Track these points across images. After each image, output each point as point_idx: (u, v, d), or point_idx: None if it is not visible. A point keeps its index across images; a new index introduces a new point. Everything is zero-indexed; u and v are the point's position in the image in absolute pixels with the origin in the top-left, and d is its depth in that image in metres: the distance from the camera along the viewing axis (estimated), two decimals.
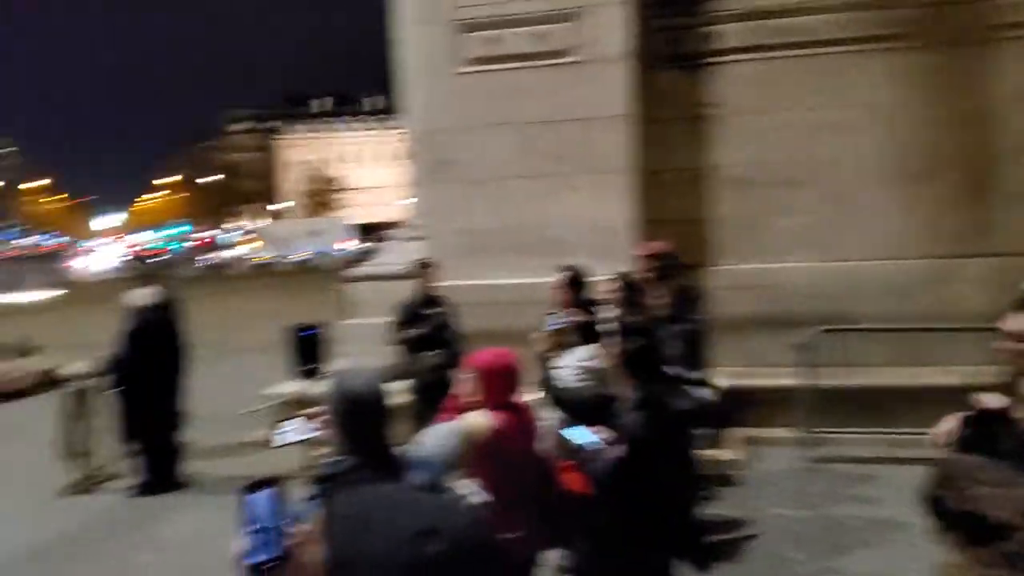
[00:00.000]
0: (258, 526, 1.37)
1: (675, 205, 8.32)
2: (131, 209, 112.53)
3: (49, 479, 7.34)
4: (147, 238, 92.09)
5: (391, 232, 11.43)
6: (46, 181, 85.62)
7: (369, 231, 54.20)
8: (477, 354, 3.62)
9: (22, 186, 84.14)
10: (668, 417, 3.48)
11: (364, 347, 7.36)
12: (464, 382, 3.53)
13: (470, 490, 2.93)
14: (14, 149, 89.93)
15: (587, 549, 3.41)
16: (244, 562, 1.38)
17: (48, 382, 11.48)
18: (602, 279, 5.99)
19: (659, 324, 5.03)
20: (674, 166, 8.43)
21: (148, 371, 7.28)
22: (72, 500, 7.15)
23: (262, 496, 1.39)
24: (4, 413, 10.55)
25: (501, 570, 1.22)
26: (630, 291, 5.70)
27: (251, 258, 49.12)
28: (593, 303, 5.76)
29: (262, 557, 1.37)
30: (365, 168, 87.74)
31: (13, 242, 74.22)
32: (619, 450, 3.20)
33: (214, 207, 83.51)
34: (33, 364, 12.81)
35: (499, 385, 3.47)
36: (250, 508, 1.37)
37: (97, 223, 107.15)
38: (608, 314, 5.43)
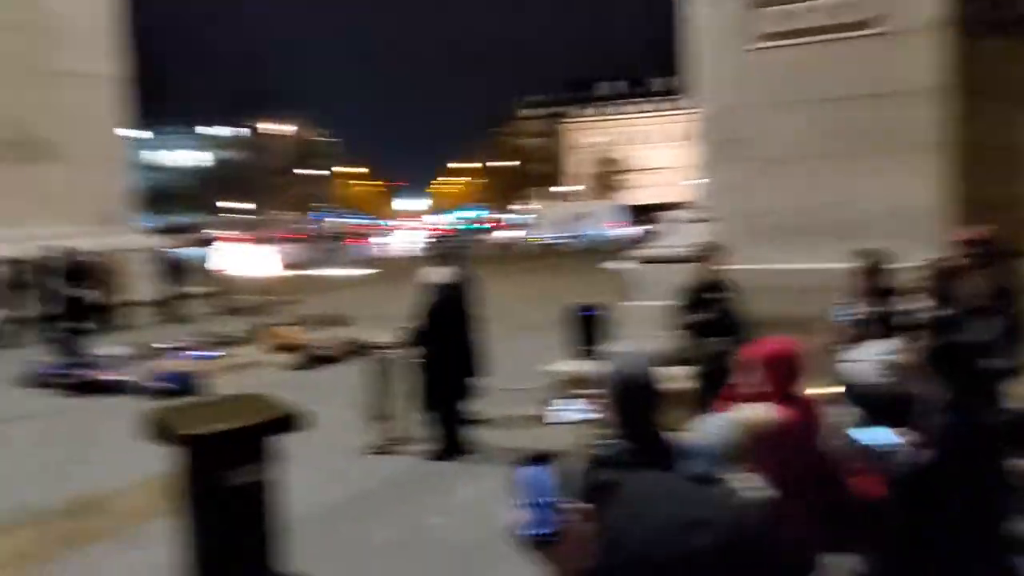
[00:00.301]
0: (532, 500, 1.39)
1: (995, 187, 7.47)
2: (432, 192, 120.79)
3: (354, 439, 8.05)
4: (445, 220, 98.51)
5: (670, 213, 11.31)
6: (361, 169, 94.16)
7: (644, 212, 53.91)
8: (762, 342, 3.46)
9: (340, 172, 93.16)
10: (983, 422, 3.11)
11: (644, 329, 7.35)
12: (746, 371, 3.38)
13: (746, 484, 2.81)
14: (336, 141, 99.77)
15: (880, 557, 3.15)
16: (519, 534, 1.40)
17: (357, 350, 12.65)
18: (906, 266, 5.51)
19: (972, 318, 4.53)
20: (996, 144, 7.56)
21: (444, 344, 7.74)
22: (373, 459, 7.78)
23: (537, 471, 1.40)
24: (318, 377, 11.69)
25: (774, 569, 1.14)
26: (942, 280, 5.18)
27: (526, 240, 50.52)
28: (892, 292, 5.31)
29: (536, 531, 1.39)
30: (652, 149, 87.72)
31: (327, 223, 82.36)
32: (925, 454, 2.91)
33: (506, 190, 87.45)
34: (344, 334, 14.10)
35: (782, 376, 3.30)
36: (525, 482, 1.39)
37: (401, 205, 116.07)
38: (912, 305, 4.98)
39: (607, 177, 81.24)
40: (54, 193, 18.91)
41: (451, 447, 7.66)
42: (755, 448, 2.93)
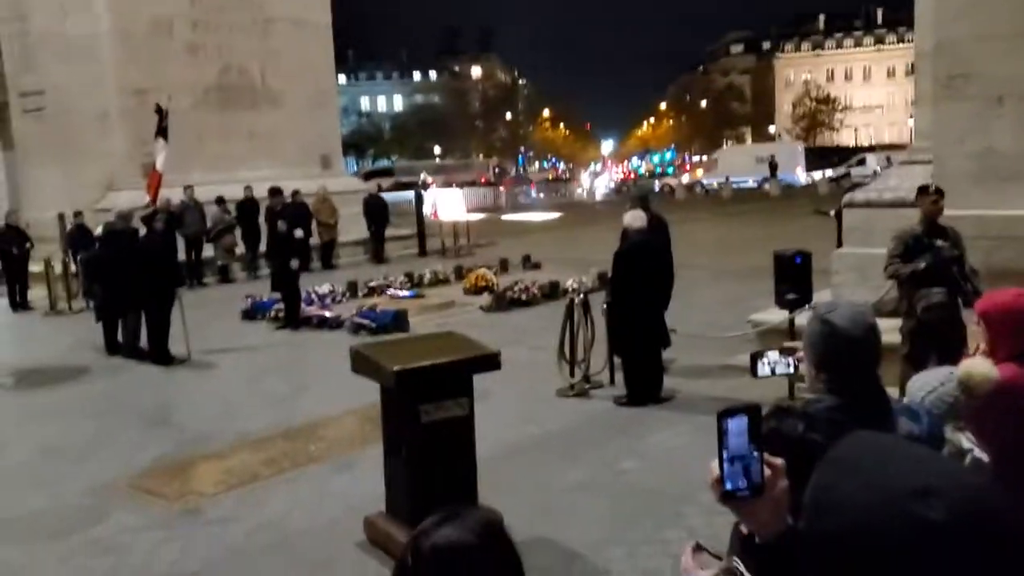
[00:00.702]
0: (730, 453, 1.33)
1: None
2: (627, 135, 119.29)
3: (548, 381, 8.17)
4: (639, 163, 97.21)
5: (887, 155, 10.57)
6: (552, 112, 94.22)
7: (846, 154, 50.57)
8: (990, 295, 3.16)
9: (536, 116, 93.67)
10: None
11: (858, 278, 6.95)
12: (972, 325, 3.10)
13: (971, 448, 2.58)
14: (527, 83, 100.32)
15: None
16: (718, 487, 1.35)
17: (551, 294, 12.81)
18: None
19: None
20: None
21: (637, 289, 7.66)
22: (565, 402, 7.87)
23: (738, 423, 1.33)
24: (512, 319, 11.91)
25: (1005, 547, 1.01)
26: None
27: (704, 185, 48.65)
28: None
29: (732, 486, 1.33)
30: (869, 87, 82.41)
31: (525, 168, 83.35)
32: None
33: (707, 132, 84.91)
34: (539, 277, 14.28)
35: (1010, 333, 3.00)
36: (726, 434, 1.33)
37: (597, 149, 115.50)
38: None
39: (819, 116, 76.80)
40: (270, 137, 20.19)
41: (644, 393, 7.60)
42: (976, 409, 2.70)
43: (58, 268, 14.58)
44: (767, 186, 42.01)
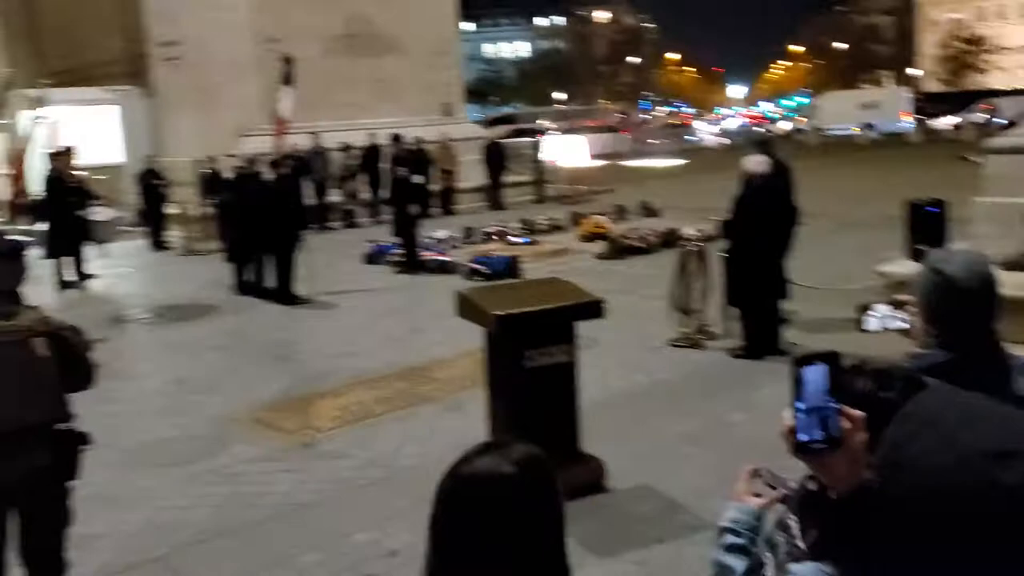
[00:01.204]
0: (808, 404, 1.26)
1: None
2: (757, 79, 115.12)
3: (659, 330, 8.05)
4: (766, 108, 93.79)
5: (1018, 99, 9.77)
6: (678, 56, 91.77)
7: (970, 99, 46.98)
8: None
9: (662, 60, 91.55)
10: None
11: (1000, 230, 6.51)
12: None
13: None
14: (653, 26, 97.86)
15: None
16: (792, 438, 1.28)
17: (667, 242, 12.57)
18: None
19: None
20: None
21: (757, 238, 7.41)
22: (676, 352, 7.75)
23: (816, 372, 1.26)
24: (627, 267, 11.79)
25: None
26: None
27: (804, 131, 46.22)
28: None
29: (810, 437, 1.26)
30: (1016, 26, 76.58)
31: (649, 113, 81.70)
32: None
33: (843, 75, 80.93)
34: (656, 225, 14.05)
35: None
36: (802, 383, 1.26)
37: (725, 93, 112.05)
38: None
39: (965, 58, 71.80)
40: (394, 85, 20.44)
41: (759, 345, 7.40)
42: None
43: (193, 211, 15.30)
44: (870, 134, 39.80)
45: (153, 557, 4.57)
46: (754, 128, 55.50)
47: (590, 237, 13.69)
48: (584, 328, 5.12)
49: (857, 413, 1.27)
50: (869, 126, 41.60)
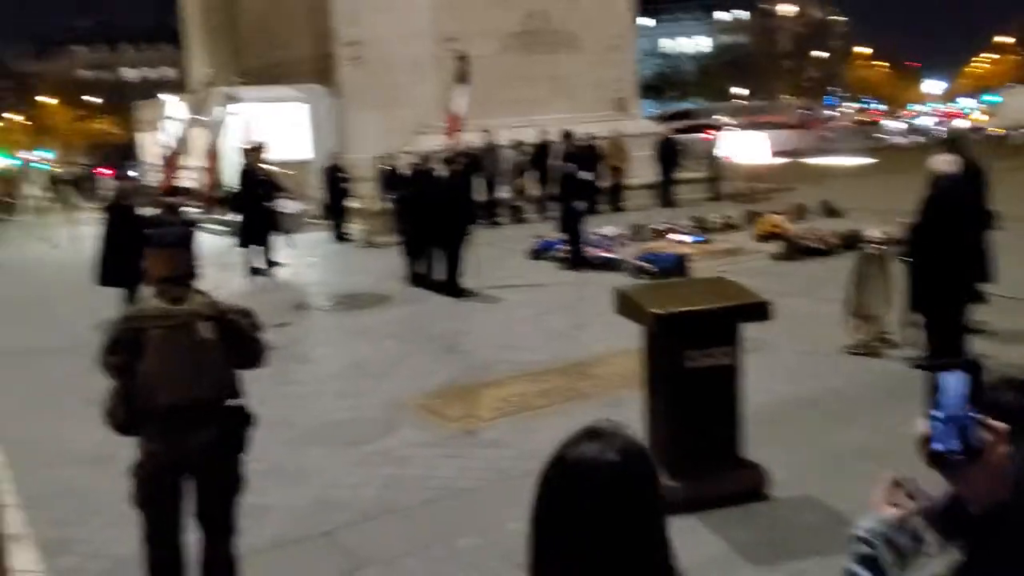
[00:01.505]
0: (947, 412, 1.17)
1: None
2: (957, 75, 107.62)
3: (835, 336, 7.70)
4: (968, 104, 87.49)
5: None
6: (868, 50, 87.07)
7: None
8: None
9: (850, 54, 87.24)
10: None
11: None
12: None
13: None
14: (843, 19, 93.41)
15: None
16: (928, 447, 1.20)
17: (848, 244, 11.98)
18: None
19: None
20: None
21: (944, 242, 6.94)
22: (851, 359, 7.39)
23: (956, 380, 1.17)
24: (804, 268, 11.34)
25: None
26: None
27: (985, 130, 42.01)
28: None
29: (944, 447, 1.18)
30: None
31: (835, 110, 78.06)
32: None
33: None
34: (837, 226, 13.43)
35: None
36: (941, 390, 1.18)
37: (922, 89, 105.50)
38: None
39: None
40: (567, 81, 20.56)
41: (943, 356, 6.93)
42: None
43: (373, 205, 15.99)
44: None
45: (321, 531, 4.82)
46: (949, 125, 51.83)
47: (766, 237, 13.26)
48: (753, 331, 4.97)
49: (1001, 425, 1.18)
50: None
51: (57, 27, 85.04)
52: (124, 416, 3.52)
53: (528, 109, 19.54)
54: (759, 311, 4.74)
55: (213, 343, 3.52)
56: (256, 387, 7.10)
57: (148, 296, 3.64)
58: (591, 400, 6.69)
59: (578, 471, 1.40)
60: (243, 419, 3.70)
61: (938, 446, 1.19)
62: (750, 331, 4.95)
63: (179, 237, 3.77)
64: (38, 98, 67.27)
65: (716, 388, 4.67)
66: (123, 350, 3.48)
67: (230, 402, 3.67)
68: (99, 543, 4.76)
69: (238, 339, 3.61)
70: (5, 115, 67.74)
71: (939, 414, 1.19)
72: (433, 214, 10.86)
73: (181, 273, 3.59)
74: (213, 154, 14.40)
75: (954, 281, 6.94)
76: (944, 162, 7.11)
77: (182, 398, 3.47)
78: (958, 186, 7.00)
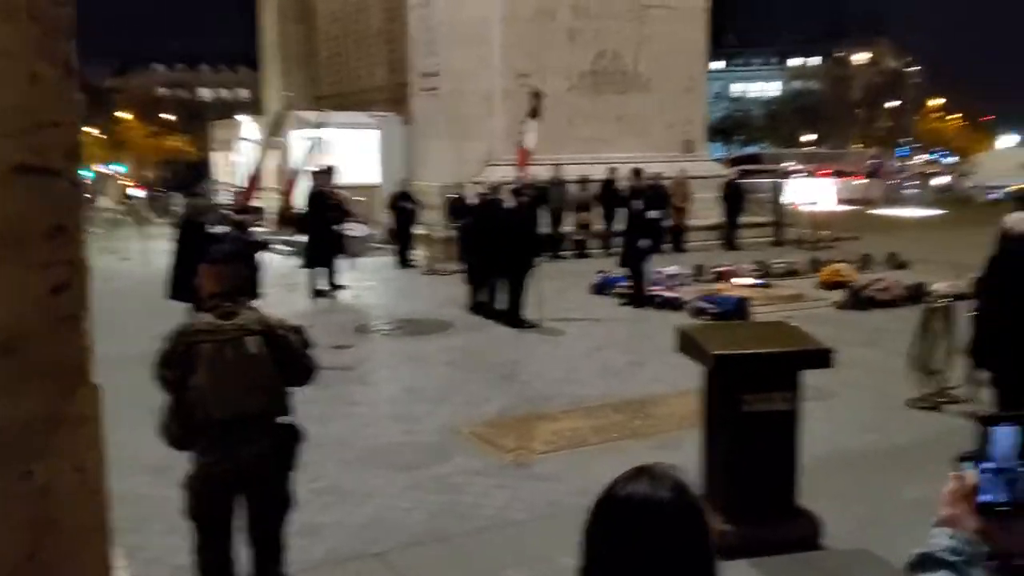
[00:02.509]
0: (997, 463, 1.20)
1: None
2: None
3: (899, 389, 7.58)
4: None
5: None
6: (941, 100, 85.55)
7: None
8: None
9: (924, 105, 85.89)
10: None
11: None
12: None
13: None
14: (917, 68, 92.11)
15: None
16: (970, 497, 1.23)
17: (914, 296, 11.78)
18: None
19: None
20: None
21: (1011, 298, 6.78)
22: (914, 413, 7.26)
23: (1007, 432, 1.20)
24: (867, 319, 11.17)
25: None
26: None
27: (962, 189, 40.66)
28: None
29: (995, 498, 1.20)
30: None
31: (907, 161, 76.74)
32: None
33: None
34: (903, 277, 13.22)
35: None
36: (991, 442, 1.21)
37: (994, 143, 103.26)
38: None
39: None
40: (637, 120, 20.66)
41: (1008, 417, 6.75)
42: None
43: (438, 233, 16.20)
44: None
45: (373, 552, 4.89)
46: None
47: (830, 285, 13.09)
48: (816, 379, 4.93)
49: None
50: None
51: (143, 47, 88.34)
52: (177, 430, 3.60)
53: (596, 146, 19.69)
54: (821, 358, 4.71)
55: (262, 358, 3.58)
56: (316, 407, 7.26)
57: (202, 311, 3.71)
58: (647, 439, 6.67)
59: (628, 508, 1.43)
60: (293, 436, 3.75)
61: (986, 497, 1.22)
62: (811, 379, 4.92)
63: (231, 253, 3.86)
64: (115, 113, 69.65)
65: (773, 434, 4.64)
66: (175, 364, 3.55)
67: (280, 419, 3.73)
68: (158, 551, 4.88)
69: (287, 355, 3.66)
70: (82, 128, 69.98)
71: (989, 465, 1.22)
72: (498, 244, 10.99)
73: (232, 288, 3.66)
74: (287, 176, 14.78)
75: (1019, 338, 6.77)
76: (1014, 220, 6.95)
77: (233, 412, 3.54)
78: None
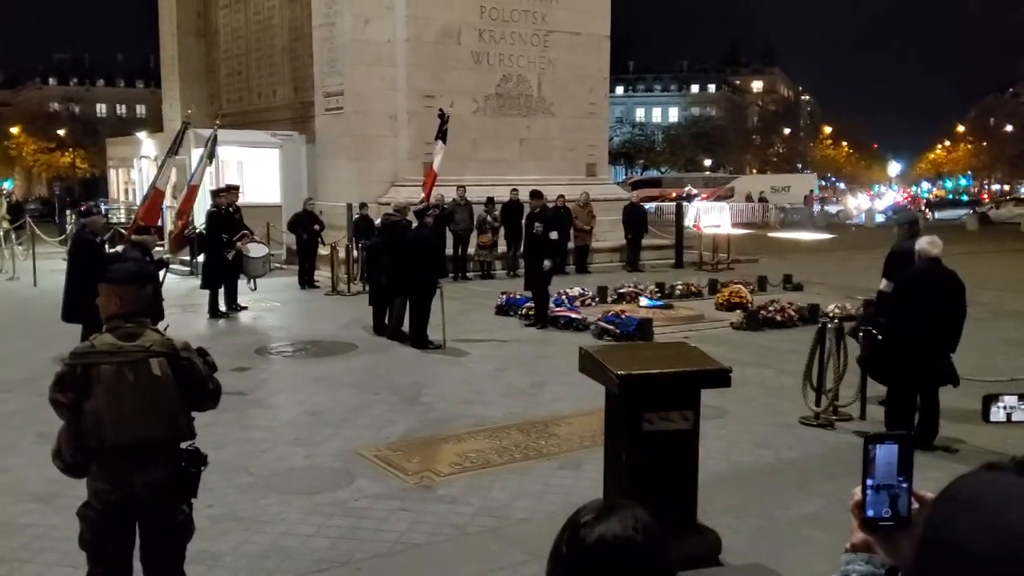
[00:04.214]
0: (878, 481, 1.26)
1: None
2: (919, 158, 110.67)
3: (792, 407, 7.83)
4: (929, 188, 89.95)
5: None
6: (830, 130, 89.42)
7: None
8: None
9: (814, 132, 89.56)
10: None
11: None
12: None
13: None
14: (810, 99, 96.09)
15: None
16: (858, 514, 1.28)
17: (807, 316, 12.22)
18: None
19: None
20: None
21: (924, 320, 7.00)
22: (806, 430, 7.48)
23: (887, 450, 1.26)
24: (763, 339, 11.49)
25: None
26: None
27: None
28: None
29: (877, 513, 1.26)
30: None
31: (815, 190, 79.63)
32: None
33: (1011, 159, 76.87)
34: (798, 298, 13.69)
35: None
36: (873, 460, 1.27)
37: (886, 171, 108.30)
38: None
39: None
40: (540, 143, 20.96)
41: (921, 433, 6.99)
42: None
43: (342, 253, 16.00)
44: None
45: None
46: (907, 208, 53.28)
47: (728, 306, 13.46)
48: (712, 398, 5.05)
49: (927, 495, 1.25)
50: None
51: (32, 59, 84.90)
52: (71, 456, 3.43)
53: (502, 169, 19.89)
54: (720, 378, 4.83)
55: (166, 381, 3.46)
56: (214, 431, 7.05)
57: (101, 332, 3.54)
58: (550, 460, 6.70)
59: (599, 553, 1.40)
60: (194, 461, 3.63)
61: (870, 512, 1.28)
62: (710, 399, 5.03)
63: (132, 274, 3.71)
64: (4, 128, 66.66)
65: (674, 452, 4.72)
66: (71, 387, 3.39)
67: (184, 444, 3.61)
68: None
69: (191, 378, 3.55)
70: None
71: (871, 482, 1.28)
72: (402, 264, 10.91)
73: (133, 310, 3.53)
74: (186, 194, 14.39)
75: (921, 358, 7.03)
76: (930, 243, 7.23)
77: (132, 437, 3.40)
78: (940, 267, 7.12)
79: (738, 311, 12.85)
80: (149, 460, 3.46)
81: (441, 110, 15.44)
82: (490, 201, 18.10)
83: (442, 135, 14.93)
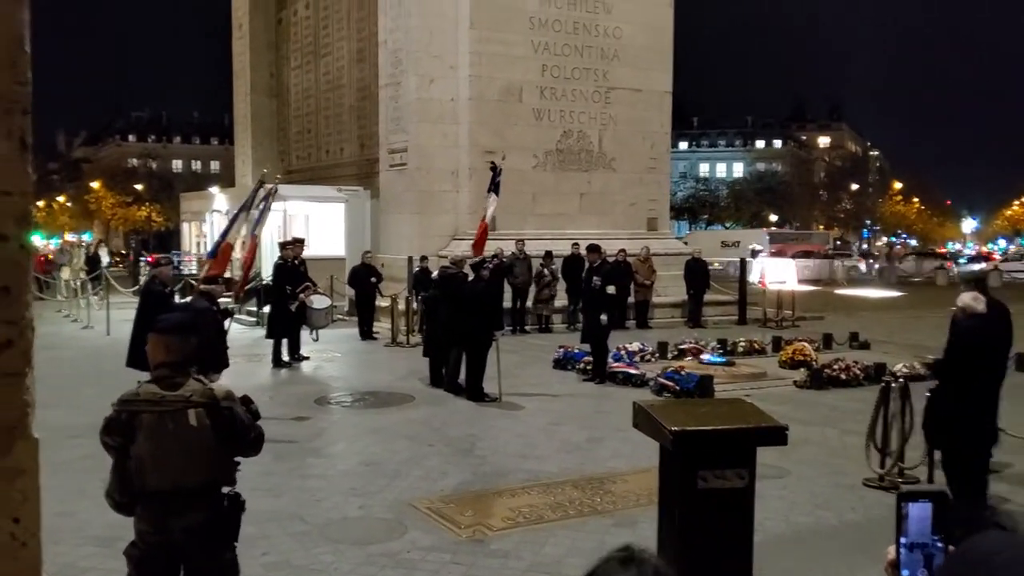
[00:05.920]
0: (912, 540, 1.22)
1: None
2: (995, 214, 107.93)
3: (855, 468, 7.62)
4: (1006, 246, 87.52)
5: None
6: (899, 186, 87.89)
7: None
8: None
9: (886, 189, 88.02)
10: None
11: None
12: None
13: None
14: (878, 154, 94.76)
15: None
16: (892, 573, 1.25)
17: (873, 376, 11.90)
18: None
19: None
20: None
21: (969, 380, 6.87)
22: (870, 492, 7.26)
23: (921, 509, 1.23)
24: (831, 398, 11.24)
25: None
26: None
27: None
28: None
29: (912, 572, 1.22)
30: None
31: (869, 242, 78.37)
32: None
33: None
34: (864, 357, 13.38)
35: None
36: (906, 519, 1.23)
37: (960, 227, 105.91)
38: None
39: None
40: (601, 198, 21.06)
41: (966, 490, 6.78)
42: None
43: (402, 305, 16.18)
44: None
45: None
46: (975, 264, 51.84)
47: (792, 364, 13.20)
48: (772, 457, 4.94)
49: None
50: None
51: (113, 117, 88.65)
52: (120, 497, 3.59)
53: (562, 223, 20.01)
54: (776, 435, 4.72)
55: (203, 431, 3.56)
56: (272, 480, 7.12)
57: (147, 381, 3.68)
58: (604, 517, 6.60)
59: None
60: (234, 506, 3.71)
61: (905, 572, 1.24)
62: (770, 458, 4.93)
63: (179, 323, 3.83)
64: (85, 183, 69.55)
65: (728, 511, 4.61)
66: (117, 431, 3.54)
67: (224, 489, 3.69)
68: None
69: (232, 427, 3.63)
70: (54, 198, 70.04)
71: (904, 540, 1.24)
72: (458, 316, 10.99)
73: (178, 359, 3.65)
74: (252, 246, 14.77)
75: (977, 420, 6.84)
76: (974, 299, 7.08)
77: (171, 484, 3.52)
78: (986, 325, 6.96)
79: (802, 369, 12.60)
80: (187, 506, 3.56)
81: (493, 163, 15.60)
82: (548, 255, 18.18)
83: (495, 187, 15.07)
